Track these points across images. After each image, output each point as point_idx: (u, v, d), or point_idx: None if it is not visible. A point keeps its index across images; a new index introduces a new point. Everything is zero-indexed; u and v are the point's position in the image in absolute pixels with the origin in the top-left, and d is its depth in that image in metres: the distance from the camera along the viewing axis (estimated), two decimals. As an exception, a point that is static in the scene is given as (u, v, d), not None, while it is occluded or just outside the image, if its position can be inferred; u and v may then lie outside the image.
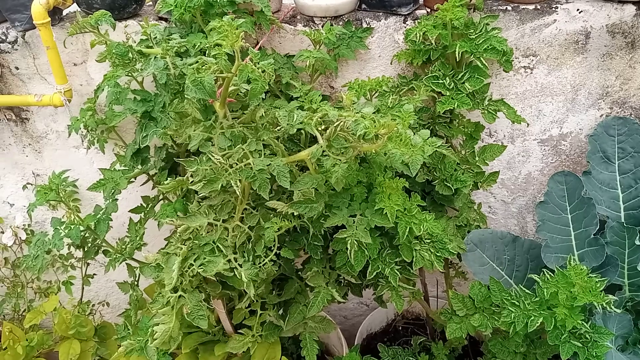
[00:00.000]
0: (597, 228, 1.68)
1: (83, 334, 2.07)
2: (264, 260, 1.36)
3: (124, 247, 1.81)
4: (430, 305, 2.15)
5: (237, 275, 1.31)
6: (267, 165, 1.24)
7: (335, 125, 1.15)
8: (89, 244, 1.84)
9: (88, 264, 2.06)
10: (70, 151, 2.05)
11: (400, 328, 2.38)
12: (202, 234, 1.36)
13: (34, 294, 2.28)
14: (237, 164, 1.25)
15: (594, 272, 1.61)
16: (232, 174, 1.24)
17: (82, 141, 2.03)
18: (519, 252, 1.82)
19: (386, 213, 1.35)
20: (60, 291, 2.22)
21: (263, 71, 1.19)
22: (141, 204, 1.84)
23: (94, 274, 2.11)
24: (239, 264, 1.33)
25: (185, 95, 1.20)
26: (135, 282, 1.86)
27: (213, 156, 1.24)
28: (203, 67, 1.18)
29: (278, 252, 1.40)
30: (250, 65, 1.17)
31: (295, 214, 1.36)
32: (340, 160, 1.19)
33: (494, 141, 1.94)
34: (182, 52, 1.39)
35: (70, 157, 2.06)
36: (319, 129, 1.24)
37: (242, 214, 1.39)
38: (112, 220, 1.75)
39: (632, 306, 1.68)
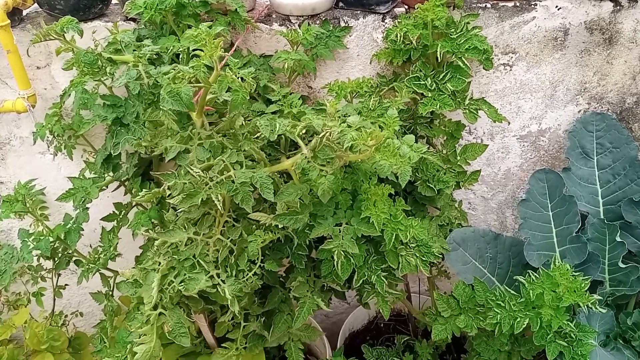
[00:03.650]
0: (579, 226, 1.69)
1: (56, 347, 1.99)
2: (247, 274, 1.31)
3: (97, 257, 1.73)
4: (412, 302, 2.15)
5: (221, 292, 1.26)
6: (249, 177, 1.18)
7: (321, 136, 1.10)
8: (60, 255, 1.76)
9: (59, 275, 1.97)
10: (36, 157, 1.95)
11: (382, 325, 2.37)
12: (181, 249, 1.30)
13: (2, 306, 2.18)
14: (217, 177, 1.19)
15: (576, 269, 1.62)
16: (212, 187, 1.18)
17: (48, 147, 1.93)
18: (500, 249, 1.81)
19: (372, 221, 1.31)
20: (30, 303, 2.12)
21: (243, 80, 1.14)
22: (113, 212, 1.76)
23: (66, 285, 2.02)
24: (221, 280, 1.28)
25: (161, 107, 1.13)
26: (110, 293, 1.80)
27: (192, 169, 1.18)
28: (179, 77, 1.12)
29: (262, 264, 1.35)
30: (230, 75, 1.11)
31: (279, 226, 1.31)
32: (326, 171, 1.15)
33: (474, 138, 1.92)
34: (154, 58, 1.31)
35: (35, 163, 1.96)
36: (302, 134, 1.20)
37: (224, 226, 1.33)
38: (83, 230, 1.67)
39: (612, 301, 1.70)
